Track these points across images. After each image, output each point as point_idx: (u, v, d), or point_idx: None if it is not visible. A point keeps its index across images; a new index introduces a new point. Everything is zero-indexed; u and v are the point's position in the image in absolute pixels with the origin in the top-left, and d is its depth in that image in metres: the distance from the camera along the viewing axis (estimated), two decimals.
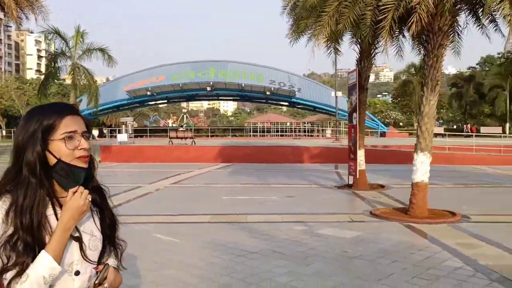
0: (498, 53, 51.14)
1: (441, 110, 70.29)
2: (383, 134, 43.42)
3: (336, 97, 35.23)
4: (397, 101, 66.38)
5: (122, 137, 29.74)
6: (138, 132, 44.93)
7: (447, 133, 33.56)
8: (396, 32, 10.41)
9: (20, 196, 1.37)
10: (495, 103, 51.90)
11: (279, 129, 53.70)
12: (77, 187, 1.40)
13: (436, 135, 29.14)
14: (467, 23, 9.05)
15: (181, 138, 29.05)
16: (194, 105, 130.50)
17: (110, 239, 1.59)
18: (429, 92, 8.63)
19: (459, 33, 9.46)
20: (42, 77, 35.58)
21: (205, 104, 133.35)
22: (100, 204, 1.56)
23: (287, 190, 12.59)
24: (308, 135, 48.17)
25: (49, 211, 1.41)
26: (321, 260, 5.79)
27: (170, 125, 69.23)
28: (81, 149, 1.43)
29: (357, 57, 12.71)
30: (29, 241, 1.34)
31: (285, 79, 46.05)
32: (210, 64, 47.11)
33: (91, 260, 1.45)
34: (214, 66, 46.81)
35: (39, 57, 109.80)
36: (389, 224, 8.06)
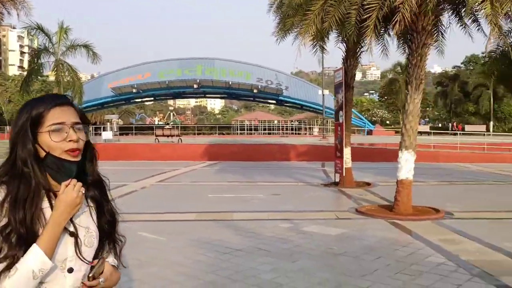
0: (482, 53, 51.94)
1: (427, 109, 71.21)
2: (369, 132, 43.80)
3: (323, 95, 35.42)
4: (383, 99, 67.03)
5: (107, 134, 29.42)
6: (124, 130, 44.53)
7: (432, 131, 34.01)
8: (381, 31, 10.52)
9: (15, 188, 1.35)
10: (479, 101, 52.76)
11: (267, 127, 53.78)
12: (69, 180, 1.36)
13: (421, 133, 29.54)
14: (450, 22, 9.18)
15: (168, 136, 28.89)
16: (181, 102, 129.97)
17: (110, 235, 1.55)
18: (413, 91, 8.73)
19: (443, 32, 9.58)
20: (25, 73, 35.07)
21: (192, 102, 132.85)
22: (100, 199, 1.52)
23: (273, 188, 12.62)
24: (295, 133, 48.32)
25: (45, 204, 1.38)
26: (306, 257, 5.83)
27: (156, 122, 68.84)
28: (69, 141, 1.38)
29: (343, 55, 12.80)
30: (22, 233, 1.31)
31: (273, 77, 46.13)
32: (197, 62, 46.93)
33: (84, 259, 1.40)
34: (201, 63, 46.65)
35: (22, 53, 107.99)
36: (374, 221, 8.14)
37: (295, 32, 11.41)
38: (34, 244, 1.30)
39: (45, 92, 60.45)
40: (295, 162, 21.96)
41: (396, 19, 7.30)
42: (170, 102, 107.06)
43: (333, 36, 12.15)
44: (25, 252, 1.29)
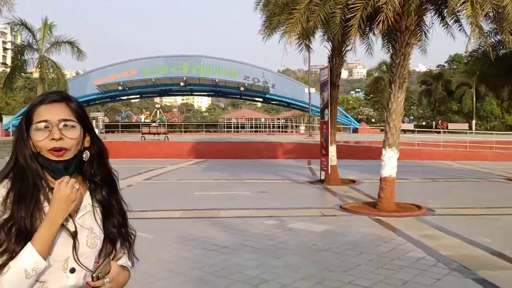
0: (465, 52, 52.75)
1: (412, 107, 72.06)
2: (355, 130, 44.12)
3: (310, 93, 35.61)
4: (369, 97, 67.60)
5: None
6: (110, 128, 44.08)
7: (416, 129, 34.44)
8: (366, 31, 10.67)
9: (17, 183, 1.35)
10: (462, 100, 53.60)
11: (254, 125, 53.84)
12: (63, 177, 1.34)
13: (405, 131, 29.89)
14: (432, 22, 9.36)
15: (154, 133, 28.77)
16: (167, 100, 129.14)
17: (119, 235, 1.51)
18: (397, 90, 8.89)
19: (426, 32, 9.78)
20: (8, 70, 34.49)
21: (178, 100, 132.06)
22: (107, 199, 1.48)
23: (260, 186, 12.72)
24: (282, 131, 48.50)
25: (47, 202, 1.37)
26: (292, 253, 5.93)
27: (143, 120, 68.29)
28: (51, 139, 1.35)
29: (329, 54, 12.93)
30: (23, 228, 1.30)
31: (259, 75, 46.14)
32: (183, 59, 46.68)
33: (79, 260, 1.36)
34: (188, 61, 46.41)
35: (5, 49, 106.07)
36: (358, 218, 8.29)
37: (281, 31, 11.48)
38: (29, 243, 1.28)
39: (29, 89, 59.62)
40: (282, 160, 22.09)
41: (379, 19, 7.44)
42: (157, 99, 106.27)
43: (319, 34, 12.29)
44: (23, 247, 1.28)
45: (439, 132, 30.01)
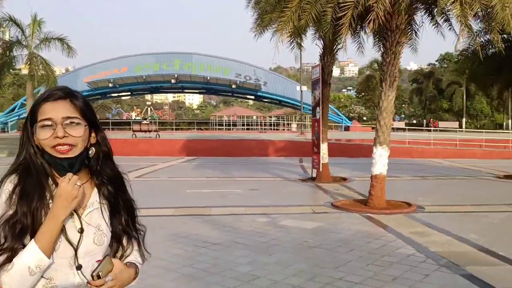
0: (456, 51, 53.19)
1: (403, 105, 72.54)
2: (347, 128, 44.35)
3: (301, 91, 35.69)
4: (361, 95, 67.90)
5: None
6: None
7: (407, 127, 34.71)
8: (357, 29, 10.72)
9: (24, 179, 1.35)
10: (452, 98, 54.11)
11: (245, 123, 53.82)
12: (66, 174, 1.34)
13: (397, 129, 30.02)
14: (423, 22, 9.44)
15: (145, 131, 28.67)
16: (158, 97, 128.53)
17: (127, 233, 1.51)
18: (387, 88, 8.96)
19: (416, 31, 9.85)
20: None
21: (169, 97, 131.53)
22: (114, 197, 1.48)
23: (251, 183, 12.74)
24: (274, 129, 48.54)
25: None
26: (283, 250, 5.97)
27: (134, 117, 67.99)
28: (55, 137, 1.35)
29: (321, 52, 12.97)
30: (25, 225, 1.30)
31: (251, 72, 46.13)
32: (174, 56, 46.52)
33: (78, 263, 1.35)
34: (179, 58, 46.25)
35: None
36: (349, 215, 8.35)
37: (273, 28, 11.51)
38: (32, 240, 1.28)
39: (17, 86, 58.98)
40: (273, 157, 22.13)
41: (370, 18, 7.48)
42: (148, 97, 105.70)
43: (310, 33, 12.31)
44: (25, 245, 1.29)
45: (430, 130, 30.27)
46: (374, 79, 53.10)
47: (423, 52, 13.53)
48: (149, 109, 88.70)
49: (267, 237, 6.56)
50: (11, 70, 30.61)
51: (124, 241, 1.51)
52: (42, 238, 1.28)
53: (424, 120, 54.42)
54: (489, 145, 24.22)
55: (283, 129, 47.02)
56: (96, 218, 1.42)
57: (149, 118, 61.06)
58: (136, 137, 26.91)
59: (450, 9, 7.98)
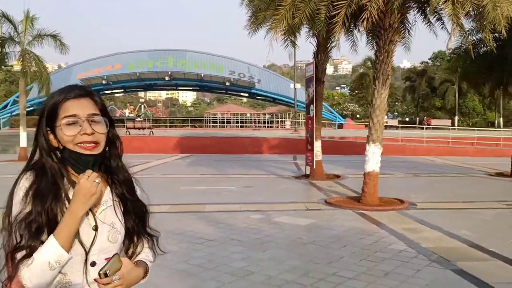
0: (449, 49, 53.50)
1: (396, 103, 72.93)
2: (340, 126, 44.52)
3: (295, 89, 35.76)
4: (354, 93, 68.12)
5: None
6: None
7: (400, 125, 34.94)
8: (351, 27, 10.79)
9: (39, 177, 1.36)
10: (445, 96, 54.52)
11: (239, 120, 53.83)
12: (86, 171, 1.34)
13: (390, 127, 30.10)
14: (415, 20, 9.52)
15: (139, 128, 28.60)
16: (152, 94, 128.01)
17: (138, 232, 1.51)
18: (380, 86, 9.03)
19: (409, 29, 9.93)
20: None
21: (163, 94, 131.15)
22: (123, 194, 1.49)
23: (245, 181, 12.80)
24: (267, 126, 48.62)
25: (71, 195, 1.37)
26: (277, 246, 6.03)
27: (127, 115, 67.71)
28: (83, 134, 1.36)
29: (314, 50, 13.03)
30: (41, 224, 1.31)
31: (245, 70, 46.13)
32: (168, 53, 46.36)
33: (87, 261, 1.36)
34: (173, 55, 46.10)
35: None
36: (342, 212, 8.43)
37: (267, 26, 11.54)
38: (51, 236, 1.30)
39: (9, 83, 58.48)
40: (267, 155, 22.20)
41: (364, 17, 7.54)
42: (141, 94, 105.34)
43: (304, 31, 12.35)
44: (43, 242, 1.30)
45: (422, 128, 30.49)
46: (368, 77, 53.29)
47: (416, 51, 13.64)
48: (142, 106, 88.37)
49: (261, 234, 6.62)
50: (3, 67, 30.40)
51: (135, 239, 1.52)
52: (61, 233, 1.29)
53: (417, 118, 54.75)
54: (481, 143, 24.46)
55: (277, 127, 47.10)
56: (110, 215, 1.43)
57: (143, 115, 60.86)
58: (130, 134, 26.84)
59: (442, 8, 8.06)
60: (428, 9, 8.75)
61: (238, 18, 14.70)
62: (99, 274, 1.31)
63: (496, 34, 9.30)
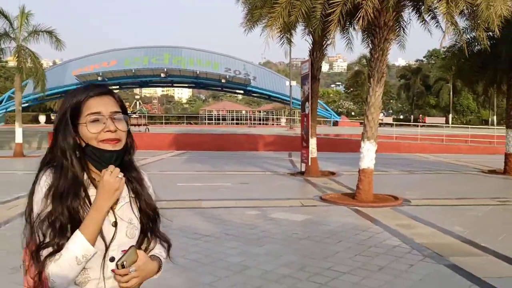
0: (443, 47, 53.72)
1: (391, 101, 73.17)
2: (335, 123, 44.64)
3: (291, 86, 35.83)
4: (349, 91, 68.33)
5: None
6: None
7: (394, 123, 35.13)
8: (347, 25, 10.85)
9: (57, 177, 1.38)
10: (439, 94, 54.76)
11: (235, 117, 53.85)
12: (109, 166, 1.37)
13: (384, 124, 30.20)
14: (410, 19, 9.60)
15: (134, 125, 28.57)
16: (147, 91, 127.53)
17: (151, 230, 1.54)
18: (375, 84, 9.11)
19: (404, 28, 10.01)
20: None
21: (158, 91, 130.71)
22: (137, 191, 1.52)
23: (241, 177, 12.85)
24: (263, 124, 48.70)
25: (92, 192, 1.40)
26: (273, 241, 6.10)
27: None
28: (107, 131, 1.39)
29: (310, 47, 13.09)
30: (65, 221, 1.34)
31: (241, 67, 46.07)
32: (164, 50, 46.20)
33: (106, 258, 1.38)
34: (168, 52, 45.95)
35: None
36: (337, 208, 8.52)
37: (263, 24, 11.57)
38: (77, 231, 1.32)
39: (4, 79, 58.10)
40: (263, 152, 22.26)
41: (360, 15, 7.61)
42: (136, 90, 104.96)
43: (300, 28, 12.40)
44: (68, 239, 1.33)
45: (417, 126, 30.68)
46: (363, 74, 53.48)
47: (411, 49, 13.73)
48: (137, 103, 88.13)
49: (257, 229, 6.69)
50: None
51: (149, 234, 1.55)
52: (87, 229, 1.32)
53: (412, 116, 55.01)
54: (474, 140, 24.66)
55: (272, 124, 47.23)
56: (127, 212, 1.46)
57: (138, 112, 60.74)
58: None
59: (437, 6, 8.15)
60: (422, 7, 8.83)
61: (234, 15, 14.72)
62: (117, 265, 1.34)
63: (490, 33, 9.40)
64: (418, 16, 9.49)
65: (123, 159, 1.49)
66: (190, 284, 4.59)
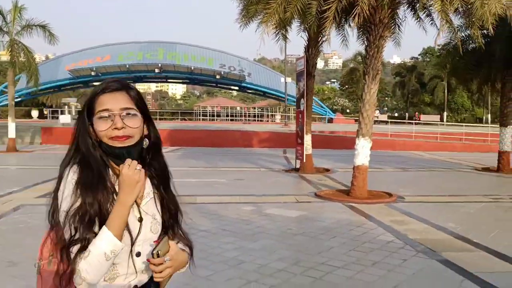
0: (438, 45, 53.94)
1: (386, 98, 73.41)
2: (330, 120, 44.77)
3: (286, 83, 35.85)
4: (344, 88, 68.46)
5: (65, 118, 28.63)
6: None
7: (389, 120, 35.25)
8: (342, 22, 10.88)
9: (84, 170, 1.39)
10: (434, 92, 55.05)
11: (229, 114, 53.79)
12: (126, 160, 1.37)
13: (379, 122, 30.28)
14: (405, 16, 9.65)
15: None
16: (141, 87, 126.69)
17: (172, 228, 1.54)
18: (370, 81, 9.15)
19: (399, 25, 10.05)
20: None
21: (152, 87, 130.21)
22: (160, 187, 1.53)
23: (236, 173, 12.88)
24: (258, 120, 48.69)
25: (118, 187, 1.40)
26: (268, 237, 6.14)
27: None
28: (114, 128, 1.38)
29: (305, 44, 13.10)
30: (93, 215, 1.34)
31: (235, 63, 46.02)
32: (158, 46, 46.02)
33: (134, 252, 1.39)
34: (163, 47, 45.77)
35: None
36: (331, 204, 8.57)
37: (258, 20, 11.57)
38: (104, 227, 1.33)
39: None
40: (258, 148, 22.29)
41: (355, 12, 7.63)
42: None
43: (295, 25, 12.40)
44: (96, 234, 1.33)
45: (411, 123, 30.82)
46: (358, 72, 53.58)
47: (406, 46, 13.79)
48: None
49: (252, 225, 6.72)
50: None
51: (171, 231, 1.55)
52: (113, 224, 1.33)
53: (407, 114, 55.25)
54: (468, 138, 24.82)
55: (267, 120, 47.18)
56: (151, 207, 1.47)
57: None
58: None
59: (432, 4, 8.19)
60: (417, 5, 8.88)
61: (229, 10, 14.69)
62: (152, 254, 1.34)
63: (484, 31, 9.46)
64: (413, 14, 9.53)
65: (147, 156, 1.49)
66: (186, 277, 4.61)
